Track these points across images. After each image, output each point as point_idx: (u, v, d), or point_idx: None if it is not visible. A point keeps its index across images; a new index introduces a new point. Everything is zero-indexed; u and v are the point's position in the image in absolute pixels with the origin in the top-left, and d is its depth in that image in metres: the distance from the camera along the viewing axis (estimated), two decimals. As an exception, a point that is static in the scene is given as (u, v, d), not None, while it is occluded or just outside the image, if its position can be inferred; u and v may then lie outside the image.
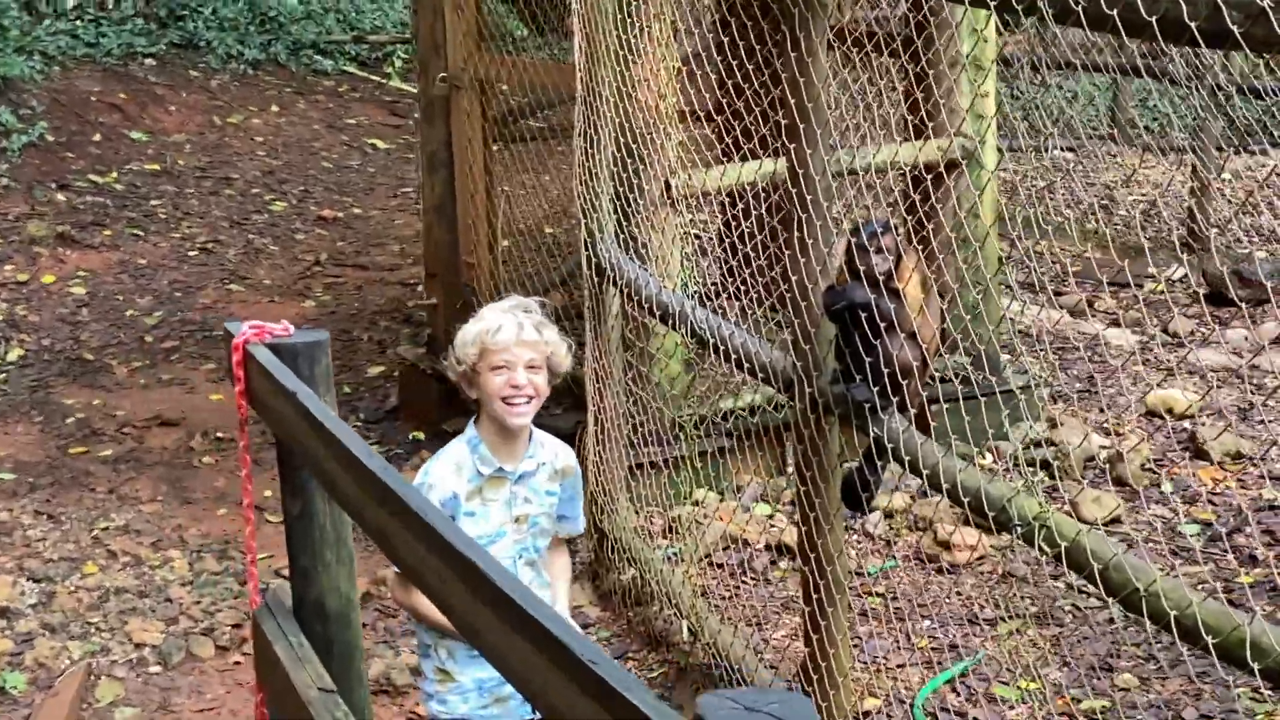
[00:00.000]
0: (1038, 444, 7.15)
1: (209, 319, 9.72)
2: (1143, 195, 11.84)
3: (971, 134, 7.14)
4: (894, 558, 6.23)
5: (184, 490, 7.52)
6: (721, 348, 4.90)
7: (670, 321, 5.30)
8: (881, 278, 4.04)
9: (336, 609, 3.35)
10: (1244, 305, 8.96)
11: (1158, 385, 7.81)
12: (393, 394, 8.47)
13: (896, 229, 4.15)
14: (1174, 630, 3.08)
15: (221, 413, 8.43)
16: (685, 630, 5.58)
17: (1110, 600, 3.39)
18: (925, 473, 3.87)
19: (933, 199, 6.70)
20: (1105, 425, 7.37)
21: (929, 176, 6.81)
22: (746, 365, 4.76)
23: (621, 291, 5.76)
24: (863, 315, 4.05)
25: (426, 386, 7.96)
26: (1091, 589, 5.42)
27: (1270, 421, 7.42)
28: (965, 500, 3.71)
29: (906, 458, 3.95)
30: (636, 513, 6.41)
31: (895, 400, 4.10)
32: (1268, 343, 8.53)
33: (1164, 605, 3.12)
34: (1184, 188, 11.21)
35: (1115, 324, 8.92)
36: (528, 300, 3.97)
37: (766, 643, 5.65)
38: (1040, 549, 3.47)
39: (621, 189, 6.10)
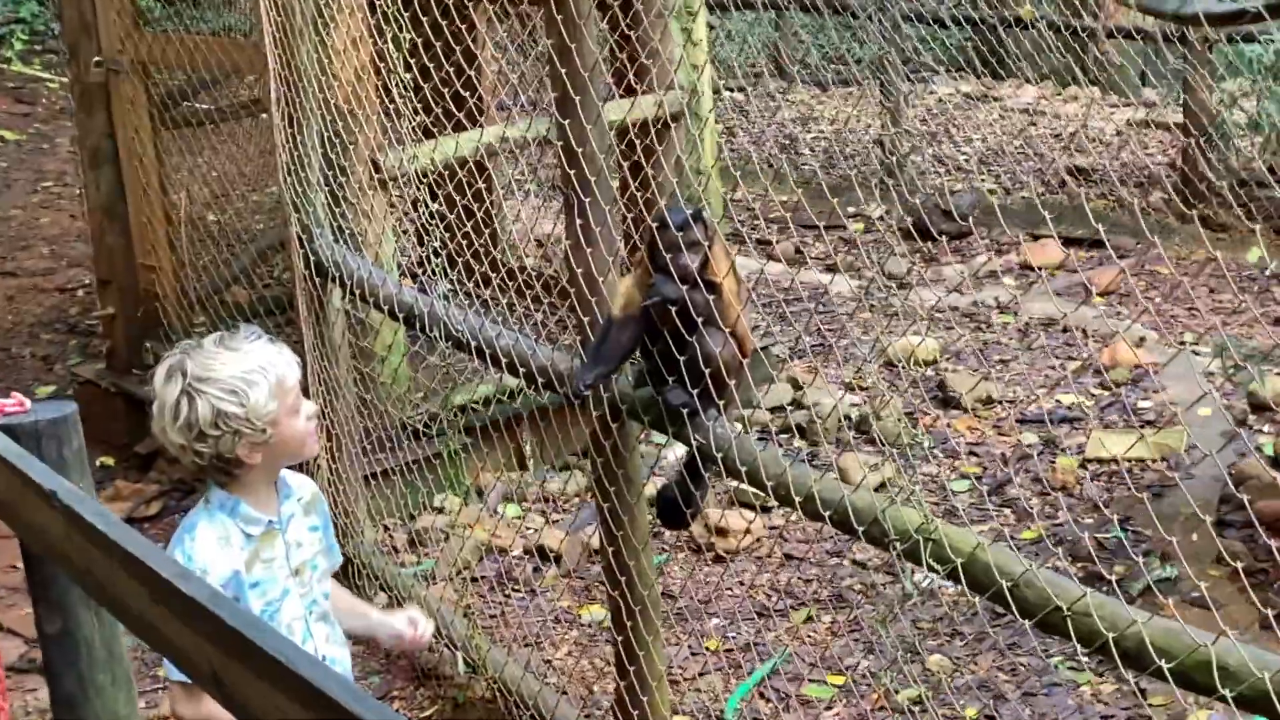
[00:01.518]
0: (784, 408, 6.80)
1: None
2: (822, 133, 11.65)
3: (686, 84, 6.73)
4: (666, 550, 5.79)
5: None
6: (487, 351, 4.35)
7: (417, 323, 4.71)
8: (695, 269, 3.55)
9: (116, 742, 2.71)
10: (946, 239, 8.85)
11: (889, 332, 7.57)
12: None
13: (704, 214, 3.66)
14: (1113, 654, 2.70)
15: None
16: (460, 663, 5.02)
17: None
18: (770, 484, 3.41)
19: (655, 155, 6.28)
20: (849, 381, 7.08)
21: (647, 131, 6.38)
22: (521, 370, 4.21)
23: (351, 291, 5.12)
24: (673, 311, 3.57)
25: (110, 405, 7.14)
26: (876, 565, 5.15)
27: (1007, 360, 7.25)
28: (827, 514, 3.27)
29: (743, 467, 3.48)
30: (376, 528, 5.83)
31: (718, 403, 3.63)
32: (978, 276, 8.40)
33: (1098, 625, 2.73)
34: (870, 122, 11.07)
35: (831, 269, 8.66)
36: (224, 334, 3.33)
37: (549, 664, 5.15)
38: (929, 566, 3.05)
39: (330, 173, 5.46)
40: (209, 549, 3.21)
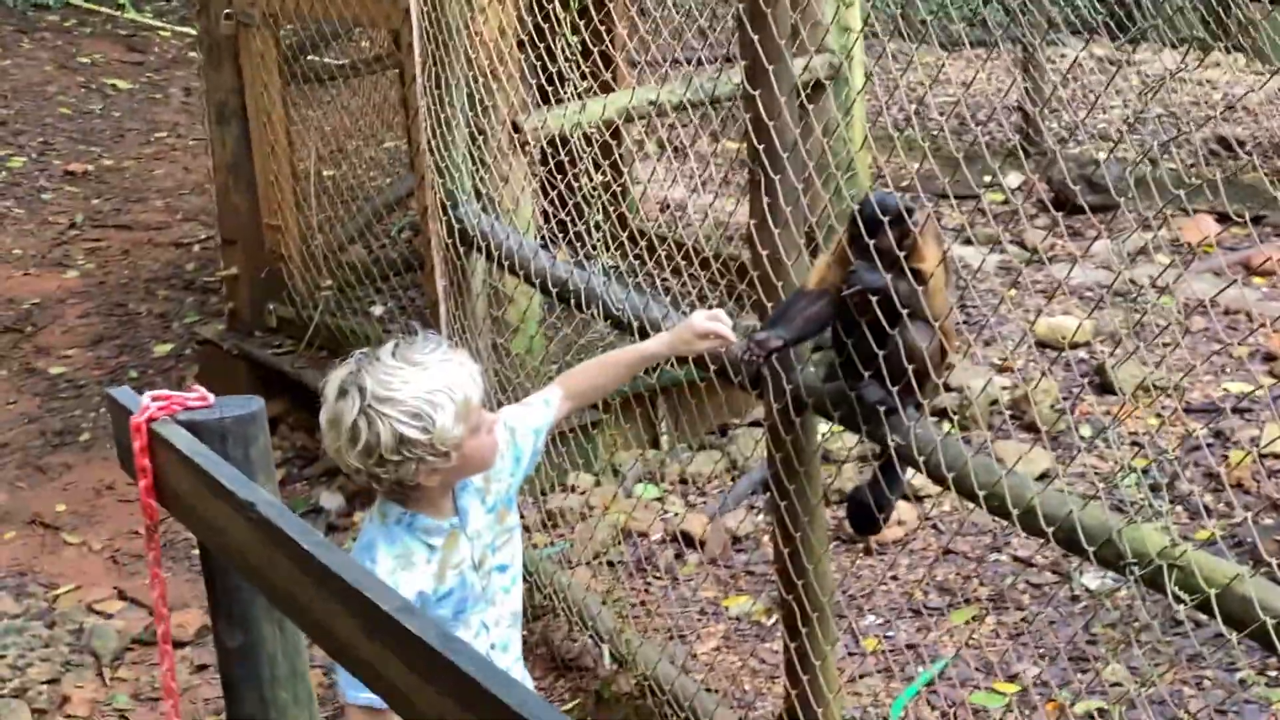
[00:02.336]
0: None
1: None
2: (950, 96, 11.25)
3: (836, 47, 6.42)
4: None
5: (-49, 512, 6.43)
6: (652, 332, 4.06)
7: (572, 300, 4.44)
8: (902, 256, 3.26)
9: (297, 768, 2.48)
10: (1095, 213, 8.45)
11: (1041, 311, 7.22)
12: (189, 376, 7.43)
13: (905, 202, 3.36)
14: None
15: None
16: (606, 656, 4.78)
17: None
18: (981, 493, 3.12)
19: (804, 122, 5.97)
20: (997, 362, 6.75)
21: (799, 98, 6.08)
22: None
23: (499, 264, 4.86)
24: (874, 300, 3.28)
25: (231, 368, 6.96)
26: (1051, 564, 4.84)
27: (1166, 344, 6.89)
28: (1050, 530, 2.98)
29: (949, 473, 3.20)
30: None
31: (917, 400, 3.35)
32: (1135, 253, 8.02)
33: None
34: (1002, 86, 10.67)
35: (967, 242, 8.30)
36: (400, 343, 3.05)
37: (695, 658, 4.89)
38: (1174, 596, 2.75)
39: (481, 137, 5.21)
40: (388, 574, 2.98)
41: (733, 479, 5.98)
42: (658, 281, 5.73)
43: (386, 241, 7.94)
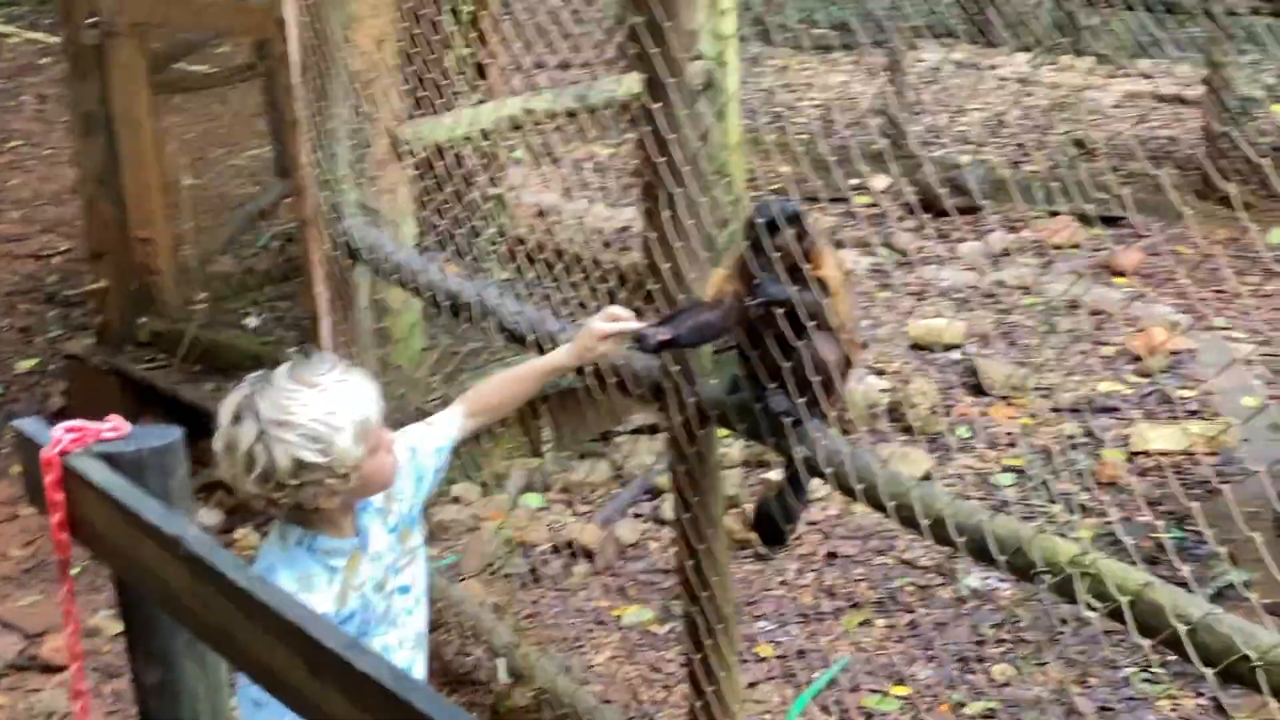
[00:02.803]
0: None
1: None
2: (813, 100, 11.37)
3: (710, 55, 6.43)
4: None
5: None
6: (546, 346, 4.05)
7: (464, 314, 4.40)
8: (803, 266, 3.27)
9: (220, 807, 2.42)
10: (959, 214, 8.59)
11: (913, 313, 7.32)
12: (55, 393, 7.26)
13: (801, 208, 3.38)
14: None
15: None
16: (502, 670, 4.75)
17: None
18: (890, 504, 3.14)
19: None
20: (875, 365, 6.82)
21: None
22: (589, 368, 3.93)
23: (386, 277, 4.81)
24: (779, 312, 3.29)
25: (102, 384, 6.80)
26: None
27: (1034, 344, 7.02)
28: (960, 540, 3.01)
29: (859, 485, 3.21)
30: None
31: (823, 411, 3.37)
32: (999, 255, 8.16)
33: (1297, 679, 2.49)
34: (864, 90, 10.80)
35: (839, 245, 8.38)
36: (295, 365, 2.99)
37: (591, 669, 4.89)
38: (1087, 605, 2.80)
39: (361, 150, 5.15)
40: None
41: (621, 485, 5.99)
42: (540, 290, 5.73)
43: (260, 251, 7.84)
